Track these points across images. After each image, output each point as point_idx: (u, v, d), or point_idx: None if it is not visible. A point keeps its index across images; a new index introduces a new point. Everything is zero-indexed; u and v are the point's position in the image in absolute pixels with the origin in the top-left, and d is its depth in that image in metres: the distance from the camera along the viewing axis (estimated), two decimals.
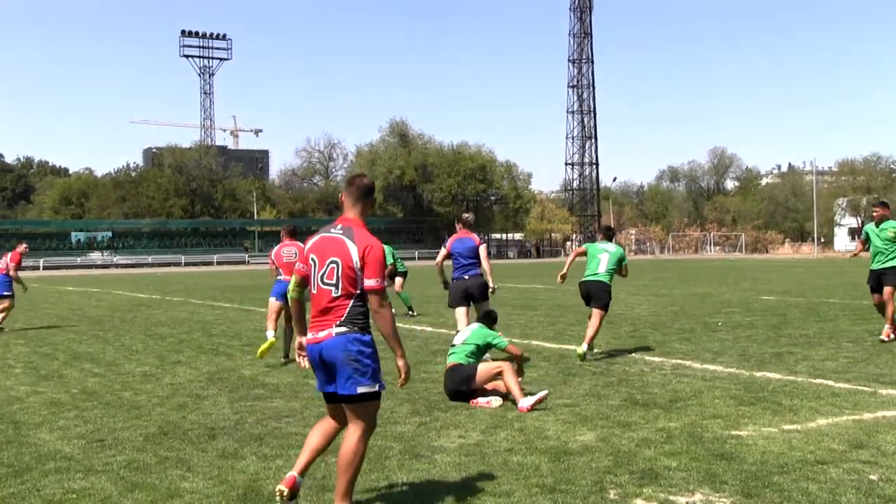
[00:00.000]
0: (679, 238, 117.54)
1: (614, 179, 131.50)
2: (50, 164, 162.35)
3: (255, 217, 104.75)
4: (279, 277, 12.69)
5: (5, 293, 18.19)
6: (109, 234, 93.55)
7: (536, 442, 6.97)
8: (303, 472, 5.42)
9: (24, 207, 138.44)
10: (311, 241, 5.55)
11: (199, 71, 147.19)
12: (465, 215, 12.16)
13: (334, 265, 5.30)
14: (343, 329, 5.21)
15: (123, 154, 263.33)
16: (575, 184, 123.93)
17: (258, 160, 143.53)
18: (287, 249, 12.98)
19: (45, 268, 78.00)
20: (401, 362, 5.41)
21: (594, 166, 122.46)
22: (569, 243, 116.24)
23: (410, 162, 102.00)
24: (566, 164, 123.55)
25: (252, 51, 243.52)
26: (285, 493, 5.28)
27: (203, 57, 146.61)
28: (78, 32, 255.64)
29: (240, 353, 12.88)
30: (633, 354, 12.01)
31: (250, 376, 10.68)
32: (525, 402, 8.23)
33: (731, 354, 11.82)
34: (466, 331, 9.42)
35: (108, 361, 12.35)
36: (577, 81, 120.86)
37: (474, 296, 11.46)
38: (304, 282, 5.52)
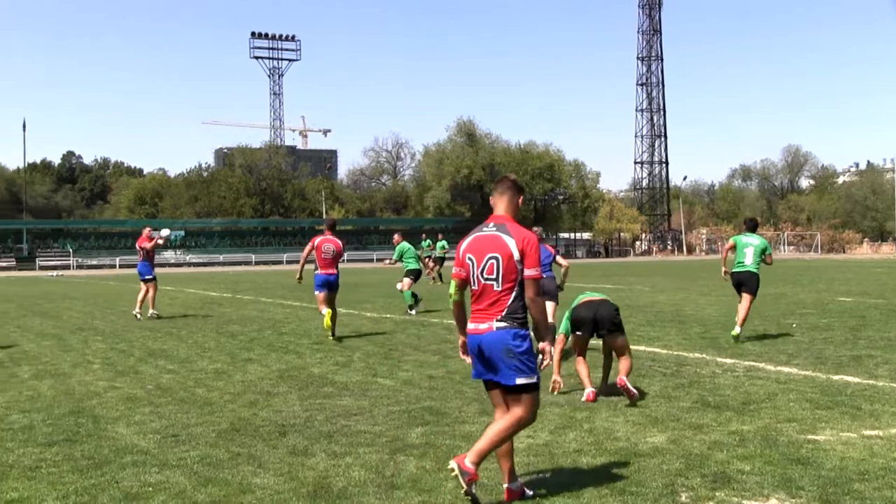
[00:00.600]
0: None
1: (684, 178, 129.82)
2: (125, 164, 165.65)
3: (324, 216, 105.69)
4: (317, 271, 14.53)
5: (147, 277, 19.67)
6: (182, 233, 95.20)
7: (606, 443, 6.92)
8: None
9: (101, 207, 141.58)
10: (465, 243, 5.80)
11: (268, 72, 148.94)
12: (536, 229, 13.03)
13: (494, 260, 5.56)
14: (503, 324, 5.49)
15: (195, 154, 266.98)
16: (644, 183, 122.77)
17: (327, 160, 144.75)
18: (327, 245, 14.68)
19: (120, 266, 79.67)
20: (546, 346, 5.61)
21: (664, 165, 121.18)
22: (638, 243, 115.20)
23: (478, 161, 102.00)
24: (635, 162, 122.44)
25: (321, 51, 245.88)
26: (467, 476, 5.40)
27: (272, 58, 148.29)
28: (152, 37, 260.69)
29: (309, 352, 13.01)
30: (705, 356, 11.86)
31: (320, 374, 10.78)
32: (626, 380, 8.57)
33: (806, 357, 11.59)
34: None
35: (181, 358, 12.57)
36: (647, 79, 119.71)
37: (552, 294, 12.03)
38: (463, 284, 5.78)
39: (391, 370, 11.00)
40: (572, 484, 5.84)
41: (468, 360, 5.73)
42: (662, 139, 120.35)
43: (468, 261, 5.69)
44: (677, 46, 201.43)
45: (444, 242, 38.69)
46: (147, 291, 19.60)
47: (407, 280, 20.11)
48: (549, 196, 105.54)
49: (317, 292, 14.78)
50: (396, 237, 21.81)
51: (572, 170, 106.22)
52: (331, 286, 14.98)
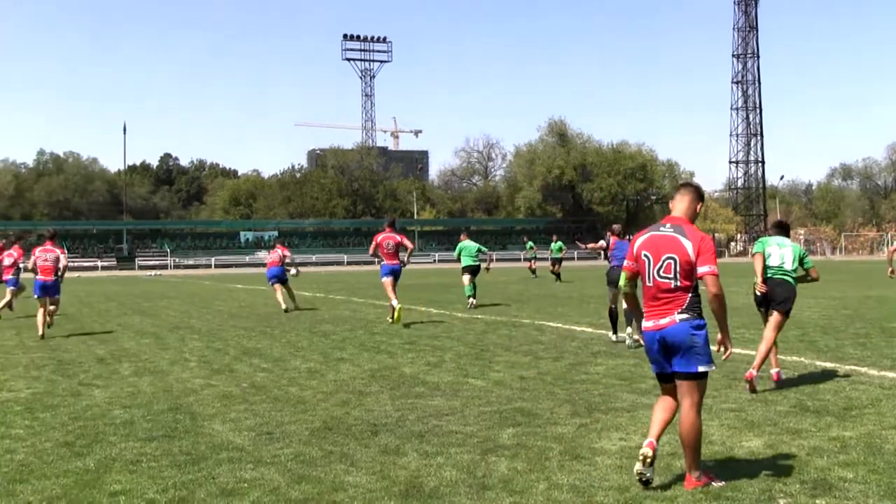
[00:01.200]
0: (852, 239, 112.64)
1: (781, 178, 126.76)
2: (220, 166, 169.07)
3: (415, 217, 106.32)
4: (384, 262, 17.59)
5: (283, 278, 22.57)
6: (276, 233, 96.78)
7: (701, 447, 6.79)
8: (658, 438, 5.94)
9: (197, 208, 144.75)
10: (640, 240, 6.22)
11: (360, 74, 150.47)
12: (616, 226, 14.91)
13: (671, 261, 5.95)
14: (685, 316, 5.89)
15: (289, 156, 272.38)
16: (739, 182, 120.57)
17: (418, 161, 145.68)
18: (386, 241, 17.69)
19: (216, 266, 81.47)
20: (727, 340, 6.15)
21: (760, 164, 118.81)
22: (732, 244, 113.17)
23: (569, 161, 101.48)
24: (730, 162, 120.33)
25: (412, 52, 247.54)
26: (649, 456, 5.77)
27: (364, 60, 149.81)
28: (246, 41, 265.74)
29: (401, 352, 13.09)
30: (803, 359, 11.57)
31: (411, 374, 10.84)
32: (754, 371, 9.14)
33: None
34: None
35: (275, 357, 12.77)
36: (742, 77, 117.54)
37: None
38: (634, 277, 6.22)
39: (482, 371, 11.00)
40: (666, 487, 5.76)
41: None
42: (758, 138, 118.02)
43: (644, 257, 6.08)
44: (774, 43, 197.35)
45: (560, 244, 39.71)
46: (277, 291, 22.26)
47: (467, 276, 22.32)
48: (642, 196, 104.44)
49: (383, 279, 17.65)
50: (462, 236, 23.61)
51: (665, 170, 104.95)
52: (395, 274, 17.75)
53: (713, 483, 5.81)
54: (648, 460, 5.75)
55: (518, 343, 13.95)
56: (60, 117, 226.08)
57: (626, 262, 6.33)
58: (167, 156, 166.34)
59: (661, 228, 6.12)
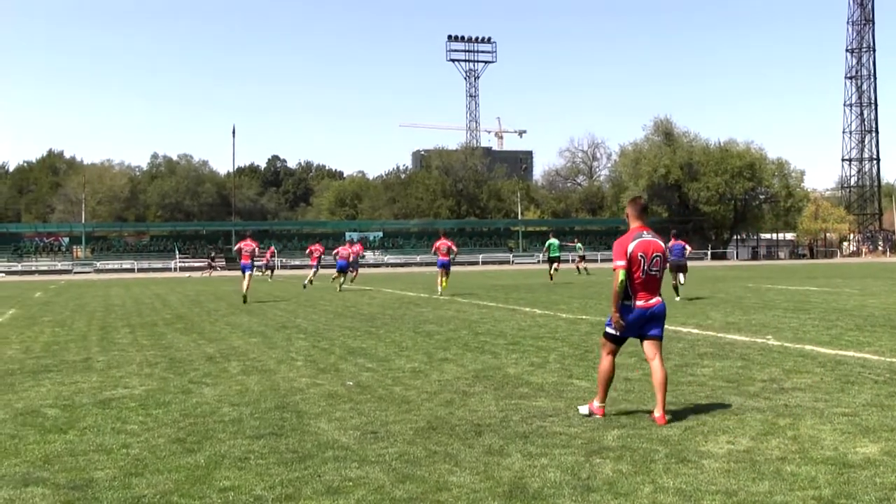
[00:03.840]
0: None
1: None
2: (326, 167, 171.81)
3: (520, 217, 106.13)
4: (439, 258, 29.35)
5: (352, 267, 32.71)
6: (381, 233, 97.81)
7: (812, 452, 6.63)
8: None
9: (303, 209, 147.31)
10: (633, 243, 8.02)
11: (464, 74, 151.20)
12: (673, 231, 22.59)
13: (658, 258, 8.05)
14: (660, 298, 8.16)
15: (393, 157, 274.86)
16: (853, 181, 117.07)
17: (522, 161, 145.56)
18: (442, 244, 29.66)
19: (323, 266, 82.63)
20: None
21: (875, 162, 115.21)
22: (845, 243, 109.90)
23: (675, 160, 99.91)
24: (843, 159, 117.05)
25: (516, 53, 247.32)
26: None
27: (468, 60, 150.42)
28: (351, 44, 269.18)
29: (505, 352, 13.09)
30: None
31: (515, 375, 10.83)
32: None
33: None
34: None
35: (379, 357, 12.90)
36: (857, 72, 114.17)
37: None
38: (628, 274, 7.99)
39: (587, 372, 10.93)
40: (775, 493, 5.62)
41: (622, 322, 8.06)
42: (873, 134, 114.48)
43: (640, 258, 7.96)
44: (890, 37, 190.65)
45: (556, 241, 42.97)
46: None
47: (555, 265, 38.45)
48: (750, 195, 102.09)
49: (438, 268, 29.83)
50: (550, 234, 32.68)
51: (775, 168, 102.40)
52: (445, 266, 29.78)
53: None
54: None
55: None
56: (174, 122, 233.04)
57: (621, 262, 7.97)
58: (275, 158, 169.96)
59: (645, 235, 8.10)
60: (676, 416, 8.06)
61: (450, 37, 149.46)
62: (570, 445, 6.99)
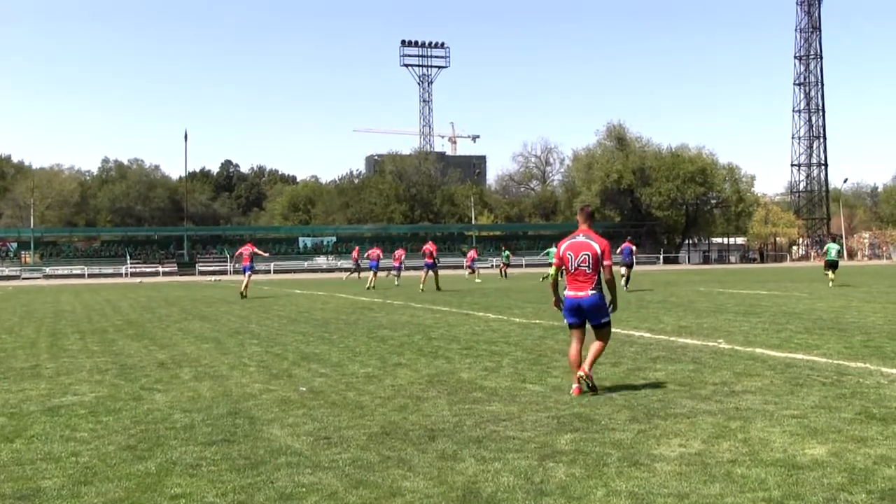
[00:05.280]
0: None
1: (845, 181, 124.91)
2: (279, 172, 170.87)
3: (473, 222, 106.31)
4: (426, 261, 36.09)
5: (385, 270, 37.88)
6: (334, 238, 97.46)
7: (762, 454, 6.71)
8: (590, 365, 9.52)
9: (256, 214, 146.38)
10: (564, 244, 9.75)
11: (418, 79, 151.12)
12: (630, 237, 23.22)
13: (586, 257, 9.49)
14: (593, 292, 9.51)
15: (347, 161, 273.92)
16: (801, 186, 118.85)
17: (475, 165, 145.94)
18: (427, 248, 37.01)
19: (275, 271, 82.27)
20: (616, 306, 9.84)
21: (823, 167, 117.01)
22: (794, 248, 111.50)
23: (628, 165, 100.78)
24: (792, 165, 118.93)
25: (469, 57, 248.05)
26: (584, 377, 9.42)
27: (422, 66, 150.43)
28: (305, 49, 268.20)
29: (458, 357, 13.10)
30: (868, 365, 11.33)
31: (469, 379, 10.84)
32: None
33: None
34: None
35: (333, 362, 12.85)
36: (805, 78, 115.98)
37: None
38: (561, 267, 9.74)
39: (540, 376, 10.97)
40: (726, 495, 5.68)
41: (558, 308, 9.92)
42: (821, 140, 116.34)
43: (568, 256, 9.63)
44: (837, 44, 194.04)
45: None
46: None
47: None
48: (701, 200, 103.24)
49: (424, 270, 35.24)
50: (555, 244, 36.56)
51: (726, 173, 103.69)
52: (430, 266, 36.18)
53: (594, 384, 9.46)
54: (587, 379, 9.40)
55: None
56: (124, 126, 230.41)
57: (555, 260, 9.81)
58: (227, 162, 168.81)
59: (578, 237, 9.64)
60: (629, 419, 8.12)
61: (403, 42, 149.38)
62: (523, 450, 7.00)
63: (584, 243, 9.52)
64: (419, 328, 18.08)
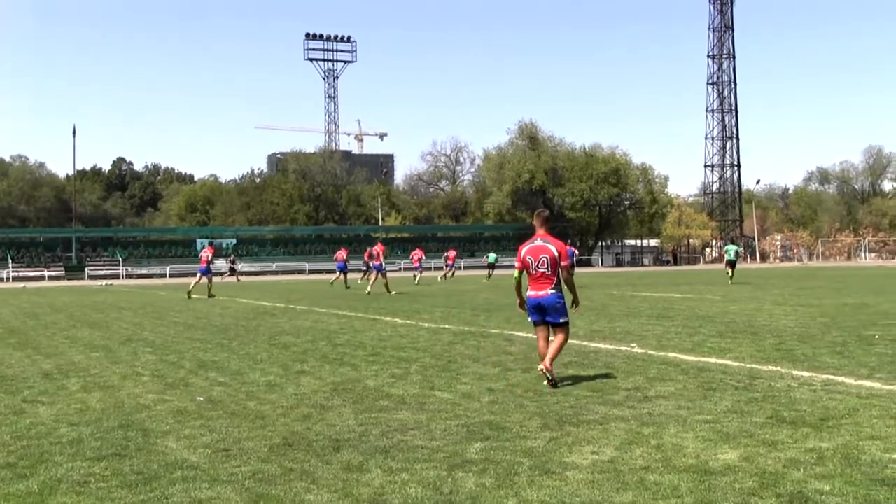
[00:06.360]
0: (830, 244, 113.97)
1: (758, 182, 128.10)
2: (176, 171, 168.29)
3: (381, 223, 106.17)
4: (376, 262, 35.36)
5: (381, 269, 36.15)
6: (234, 241, 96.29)
7: (674, 460, 6.84)
8: (551, 360, 10.51)
9: (151, 215, 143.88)
10: (525, 248, 10.83)
11: (323, 74, 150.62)
12: (570, 241, 22.94)
13: (545, 259, 10.57)
14: (553, 291, 10.61)
15: (248, 160, 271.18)
16: (715, 187, 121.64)
17: (383, 165, 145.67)
18: (376, 251, 35.49)
19: (171, 275, 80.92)
20: (578, 303, 11.49)
21: (736, 168, 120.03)
22: (708, 250, 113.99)
23: (540, 165, 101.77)
24: (705, 165, 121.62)
25: (377, 53, 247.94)
26: (546, 371, 10.41)
27: (327, 60, 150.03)
28: (203, 39, 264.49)
29: (364, 364, 13.07)
30: (779, 368, 11.67)
31: (375, 387, 10.81)
32: None
33: (890, 370, 11.35)
34: None
35: (232, 370, 12.70)
36: (718, 78, 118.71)
37: None
38: (523, 270, 10.81)
39: (449, 383, 11.00)
40: (638, 503, 5.78)
41: (522, 309, 11.05)
42: (734, 141, 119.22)
43: (528, 260, 10.70)
44: (750, 43, 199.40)
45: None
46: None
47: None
48: (615, 201, 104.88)
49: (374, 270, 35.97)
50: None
51: (639, 174, 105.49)
52: (379, 269, 35.51)
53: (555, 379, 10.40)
54: (548, 373, 10.35)
55: (487, 354, 13.96)
56: (7, 120, 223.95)
57: (517, 263, 10.88)
58: (120, 160, 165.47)
59: (537, 241, 10.71)
60: (541, 427, 8.19)
61: (308, 35, 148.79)
62: (431, 459, 7.01)
63: (542, 247, 10.64)
64: (323, 334, 17.98)
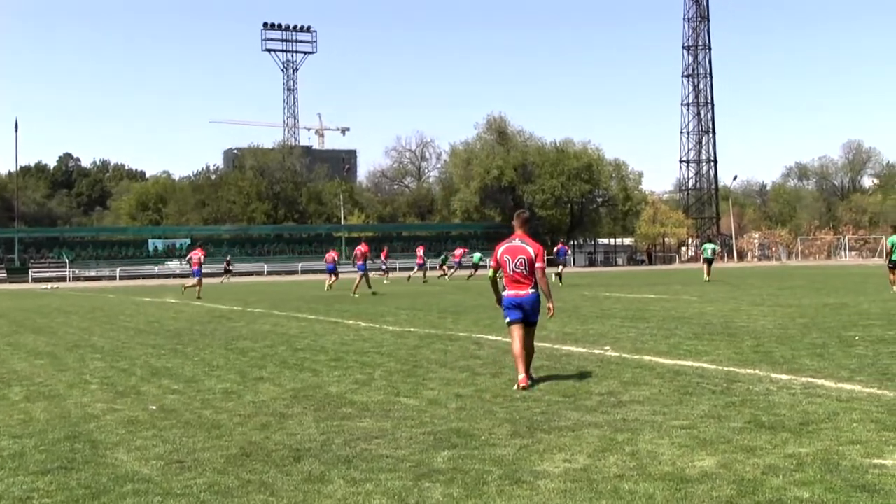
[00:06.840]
0: (809, 242, 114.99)
1: (735, 178, 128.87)
2: (126, 167, 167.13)
3: (343, 222, 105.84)
4: (359, 262, 36.74)
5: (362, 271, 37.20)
6: (188, 241, 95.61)
7: (650, 467, 6.87)
8: (528, 370, 11.07)
9: (100, 214, 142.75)
10: (501, 248, 11.26)
11: (282, 66, 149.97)
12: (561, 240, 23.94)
13: (522, 259, 11.02)
14: (532, 290, 11.08)
15: (203, 156, 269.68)
16: (690, 183, 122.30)
17: (345, 161, 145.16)
18: (359, 251, 37.33)
19: (121, 277, 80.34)
20: (552, 304, 11.35)
21: (712, 163, 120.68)
22: (683, 248, 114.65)
23: (509, 161, 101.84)
24: (681, 161, 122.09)
25: (338, 44, 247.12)
26: (527, 385, 10.65)
27: (286, 51, 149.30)
28: (154, 29, 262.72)
29: (326, 369, 13.04)
30: (758, 371, 11.76)
31: (337, 394, 10.79)
32: None
33: (870, 373, 11.47)
34: None
35: (187, 377, 12.63)
36: (693, 70, 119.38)
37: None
38: (497, 270, 11.28)
39: (415, 389, 11.00)
40: None
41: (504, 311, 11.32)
42: (710, 135, 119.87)
43: (505, 259, 11.13)
44: (727, 35, 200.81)
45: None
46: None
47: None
48: (587, 198, 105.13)
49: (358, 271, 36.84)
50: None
51: (612, 170, 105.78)
52: (361, 268, 36.75)
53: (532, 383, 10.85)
54: (527, 386, 10.63)
55: (454, 358, 13.98)
56: None
57: (492, 263, 11.36)
58: (66, 156, 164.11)
59: (515, 241, 11.17)
60: (511, 434, 8.20)
61: (265, 24, 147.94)
62: (397, 469, 7.01)
63: (519, 247, 11.11)
64: (283, 338, 17.92)
